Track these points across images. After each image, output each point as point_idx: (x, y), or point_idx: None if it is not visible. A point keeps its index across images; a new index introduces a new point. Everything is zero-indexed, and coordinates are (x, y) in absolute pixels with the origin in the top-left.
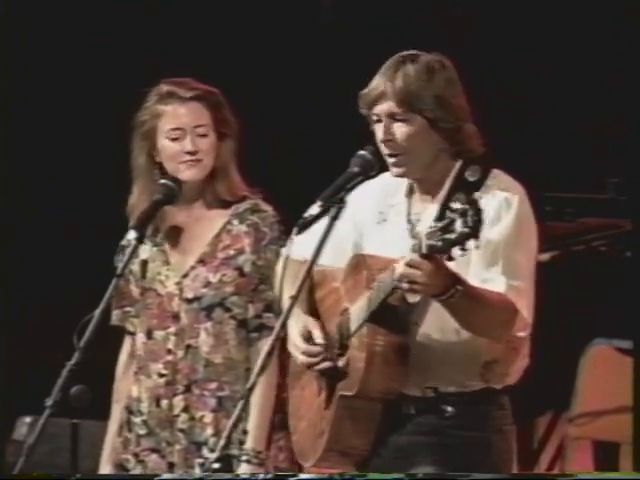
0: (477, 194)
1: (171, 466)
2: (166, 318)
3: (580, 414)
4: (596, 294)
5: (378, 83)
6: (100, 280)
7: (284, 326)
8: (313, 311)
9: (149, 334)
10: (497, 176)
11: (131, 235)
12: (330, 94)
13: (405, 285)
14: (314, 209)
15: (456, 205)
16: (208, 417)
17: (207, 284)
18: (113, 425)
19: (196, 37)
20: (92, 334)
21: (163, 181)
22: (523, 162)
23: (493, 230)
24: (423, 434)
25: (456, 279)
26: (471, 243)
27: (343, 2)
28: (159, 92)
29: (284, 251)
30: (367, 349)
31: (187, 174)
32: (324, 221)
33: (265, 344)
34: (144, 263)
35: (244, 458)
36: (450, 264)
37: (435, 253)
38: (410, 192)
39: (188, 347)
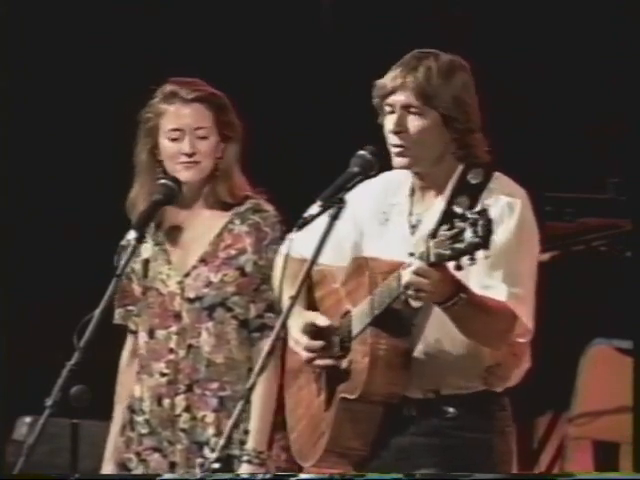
0: (486, 203)
1: (173, 466)
2: (168, 317)
3: (580, 414)
4: (596, 294)
5: (397, 75)
6: (100, 280)
7: (284, 326)
8: (313, 310)
9: (151, 333)
10: (499, 179)
11: (131, 235)
12: (330, 94)
13: (412, 293)
14: (314, 209)
15: (464, 212)
16: (210, 417)
17: (209, 284)
18: (115, 424)
19: (196, 37)
20: (92, 334)
21: (163, 181)
22: (523, 162)
23: (495, 235)
24: (424, 435)
25: (460, 287)
26: (480, 253)
27: (343, 2)
28: (163, 91)
29: (283, 249)
30: (370, 353)
31: (184, 175)
32: (324, 220)
33: (267, 344)
34: (146, 262)
35: (245, 458)
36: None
37: (443, 262)
38: (412, 191)
39: (190, 347)
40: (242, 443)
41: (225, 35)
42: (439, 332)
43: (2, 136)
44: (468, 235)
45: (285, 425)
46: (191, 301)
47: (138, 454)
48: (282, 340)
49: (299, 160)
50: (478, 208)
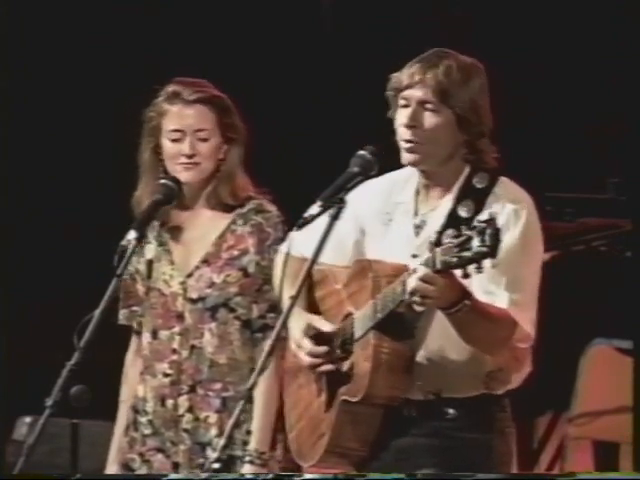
0: (493, 210)
1: (176, 466)
2: (170, 318)
3: (580, 414)
4: (596, 294)
5: (416, 70)
6: (100, 280)
7: (285, 325)
8: (313, 309)
9: (154, 334)
10: (505, 184)
11: (131, 235)
12: (330, 94)
13: (417, 299)
14: (314, 209)
15: (471, 219)
16: (212, 417)
17: (211, 284)
18: (120, 425)
19: (196, 37)
20: (92, 334)
21: (163, 181)
22: (523, 162)
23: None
24: (425, 436)
25: (465, 293)
26: (487, 261)
27: (343, 2)
28: (167, 91)
29: (283, 248)
30: (373, 356)
31: (184, 176)
32: (324, 219)
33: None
34: (149, 262)
35: (247, 459)
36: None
37: (449, 269)
38: (418, 191)
39: (193, 347)
40: (245, 444)
41: (225, 35)
42: (442, 336)
43: (2, 136)
44: (475, 244)
45: None
46: (194, 302)
47: (141, 454)
48: (283, 340)
49: (299, 160)
50: (486, 216)
